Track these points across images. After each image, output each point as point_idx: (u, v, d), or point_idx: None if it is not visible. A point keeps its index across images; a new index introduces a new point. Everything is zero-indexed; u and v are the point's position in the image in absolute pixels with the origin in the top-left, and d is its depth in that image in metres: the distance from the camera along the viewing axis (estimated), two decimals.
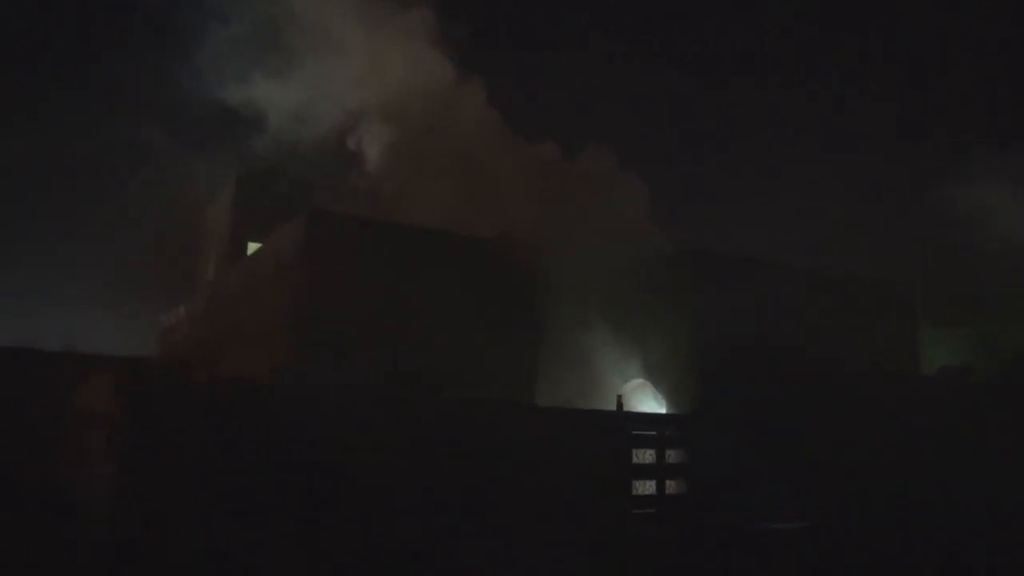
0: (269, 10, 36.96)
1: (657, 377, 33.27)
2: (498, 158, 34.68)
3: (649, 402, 33.34)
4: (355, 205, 34.42)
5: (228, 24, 36.83)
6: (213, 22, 36.79)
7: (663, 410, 32.46)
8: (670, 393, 32.64)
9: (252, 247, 37.99)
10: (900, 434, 33.96)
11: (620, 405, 29.39)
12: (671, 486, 29.14)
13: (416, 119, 34.79)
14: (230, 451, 20.89)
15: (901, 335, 38.29)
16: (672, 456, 29.51)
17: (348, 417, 23.15)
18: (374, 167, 34.96)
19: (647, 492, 28.58)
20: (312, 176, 37.08)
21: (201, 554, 19.91)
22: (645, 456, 28.93)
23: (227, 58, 36.37)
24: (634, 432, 29.05)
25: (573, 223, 32.10)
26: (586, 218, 32.65)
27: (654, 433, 29.41)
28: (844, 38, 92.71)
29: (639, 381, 33.74)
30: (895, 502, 32.55)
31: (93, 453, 24.95)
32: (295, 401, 22.81)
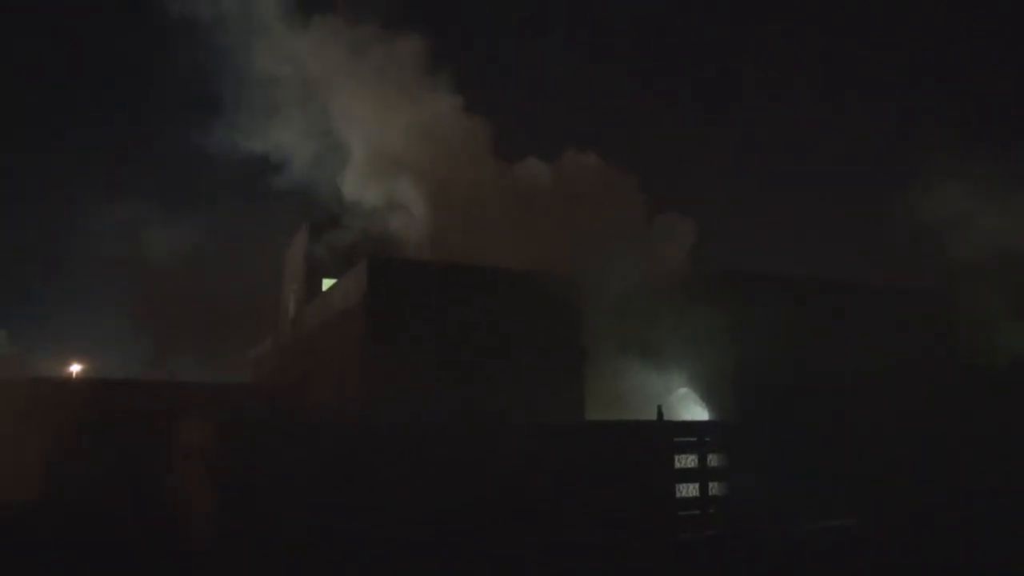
0: (271, 72, 40.88)
1: (700, 387, 35.50)
2: (487, 180, 37.18)
3: (694, 409, 35.59)
4: (400, 245, 37.67)
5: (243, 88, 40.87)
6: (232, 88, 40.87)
7: (707, 417, 34.67)
8: (713, 402, 34.82)
9: (327, 283, 41.85)
10: (943, 434, 35.23)
11: (660, 415, 31.74)
12: (714, 488, 31.44)
13: (416, 156, 37.77)
14: (322, 478, 24.33)
15: (941, 337, 38.92)
16: (713, 461, 31.81)
17: (427, 444, 26.52)
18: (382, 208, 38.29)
19: (691, 495, 30.95)
20: (361, 222, 40.36)
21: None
22: (687, 461, 31.32)
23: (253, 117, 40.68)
24: (676, 439, 31.50)
25: (599, 244, 34.49)
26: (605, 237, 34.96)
27: (695, 439, 31.79)
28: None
29: (684, 391, 36.03)
30: (939, 500, 33.84)
31: (194, 480, 28.93)
32: (377, 431, 26.26)
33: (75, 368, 56.75)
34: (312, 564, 23.49)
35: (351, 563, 23.78)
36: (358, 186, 39.82)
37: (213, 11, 40.45)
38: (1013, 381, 37.77)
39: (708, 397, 34.98)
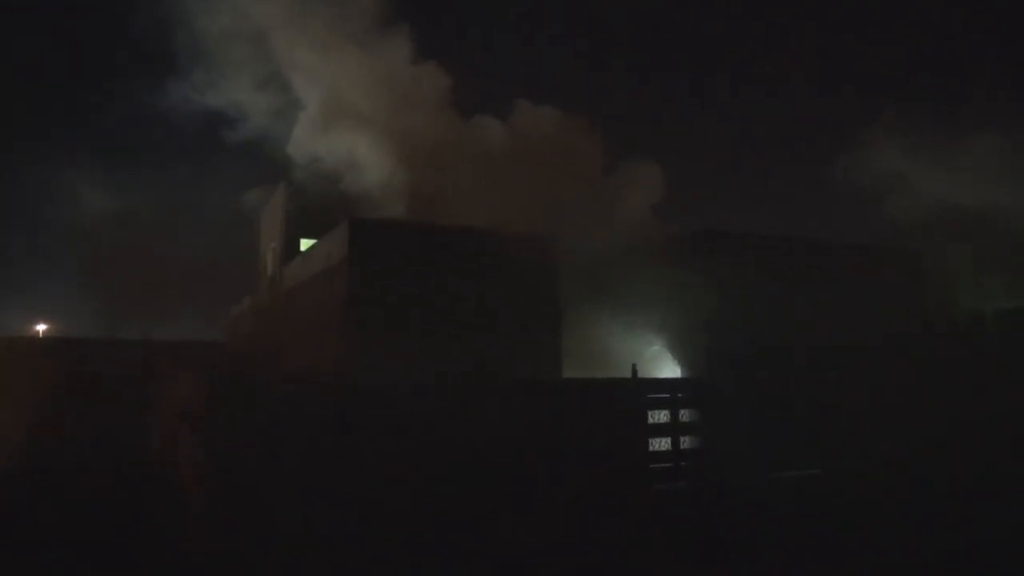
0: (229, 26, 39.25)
1: (673, 345, 36.46)
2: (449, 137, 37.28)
3: (668, 366, 36.61)
4: (382, 204, 37.63)
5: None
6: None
7: (679, 374, 35.72)
8: (685, 359, 35.83)
9: (305, 244, 41.87)
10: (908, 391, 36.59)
11: (635, 372, 32.68)
12: (685, 442, 32.62)
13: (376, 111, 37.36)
14: (305, 443, 24.92)
15: (910, 296, 39.78)
16: (685, 416, 32.94)
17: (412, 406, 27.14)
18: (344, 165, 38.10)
19: (663, 448, 32.11)
20: (326, 178, 39.85)
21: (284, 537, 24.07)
22: (660, 417, 32.41)
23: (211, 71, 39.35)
24: (649, 396, 32.53)
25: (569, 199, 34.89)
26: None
27: (668, 396, 32.85)
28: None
29: (657, 348, 36.99)
30: (901, 452, 35.25)
31: (180, 438, 29.47)
32: (363, 395, 26.80)
33: (41, 328, 56.33)
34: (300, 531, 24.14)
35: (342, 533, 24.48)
36: (318, 141, 39.38)
37: None
38: (974, 336, 39.19)
39: (681, 354, 35.98)
